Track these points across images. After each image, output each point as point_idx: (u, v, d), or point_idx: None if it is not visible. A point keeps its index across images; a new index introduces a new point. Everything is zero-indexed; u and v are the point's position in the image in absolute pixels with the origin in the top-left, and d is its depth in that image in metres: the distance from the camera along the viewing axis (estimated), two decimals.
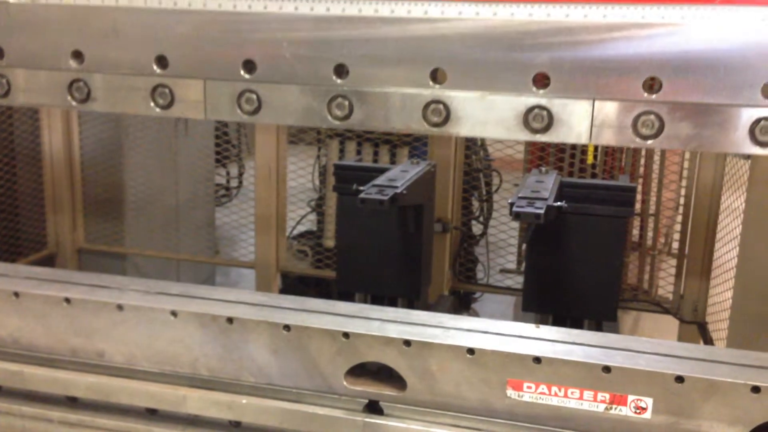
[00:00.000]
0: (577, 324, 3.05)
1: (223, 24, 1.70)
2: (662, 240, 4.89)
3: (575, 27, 1.52)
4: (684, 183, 4.05)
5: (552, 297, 3.09)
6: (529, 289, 3.23)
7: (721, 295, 3.50)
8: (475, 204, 4.93)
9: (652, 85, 1.52)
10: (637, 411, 1.68)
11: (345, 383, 1.86)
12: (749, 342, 2.69)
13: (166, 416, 1.99)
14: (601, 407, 1.71)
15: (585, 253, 2.92)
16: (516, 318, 4.68)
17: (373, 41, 1.62)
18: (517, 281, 4.67)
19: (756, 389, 1.61)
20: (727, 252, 3.47)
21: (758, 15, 1.44)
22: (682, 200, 4.02)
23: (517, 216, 2.57)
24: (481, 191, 4.88)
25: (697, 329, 3.77)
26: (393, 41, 1.62)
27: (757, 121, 1.48)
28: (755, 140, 1.50)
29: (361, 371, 1.87)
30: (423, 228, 3.32)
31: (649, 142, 1.54)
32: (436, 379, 1.80)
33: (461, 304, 5.27)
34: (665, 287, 4.26)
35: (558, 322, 3.09)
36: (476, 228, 4.99)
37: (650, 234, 4.79)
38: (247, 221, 5.09)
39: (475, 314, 5.31)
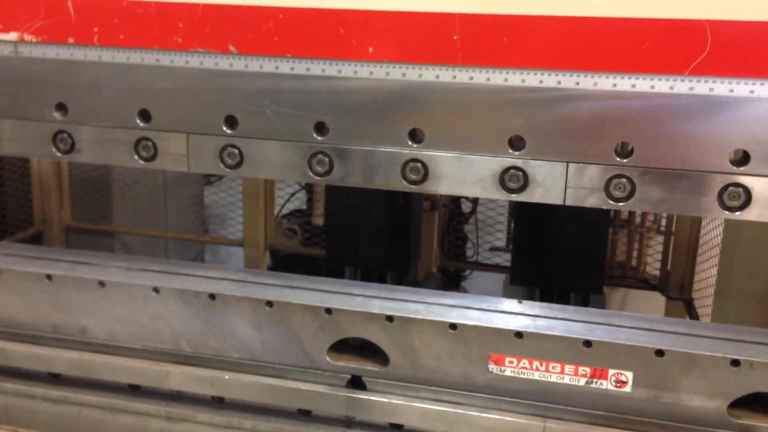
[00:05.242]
0: (564, 297, 3.07)
1: (205, 80, 1.73)
2: (651, 218, 4.90)
3: (549, 93, 1.56)
4: None
5: (539, 270, 3.11)
6: (517, 262, 3.25)
7: (707, 271, 3.51)
8: None
9: (623, 149, 1.57)
10: (618, 384, 1.69)
11: (328, 359, 1.86)
12: (733, 318, 2.71)
13: (149, 392, 2.00)
14: (582, 381, 1.72)
15: (571, 227, 2.93)
16: (505, 296, 4.70)
17: (352, 100, 1.66)
18: (506, 259, 4.67)
19: (735, 362, 1.62)
20: (713, 229, 3.48)
21: (726, 86, 1.47)
22: None
23: None
24: None
25: (684, 305, 3.79)
26: (372, 101, 1.65)
27: (725, 186, 1.53)
28: (723, 205, 1.54)
29: (344, 347, 1.88)
30: (411, 203, 3.32)
31: (621, 204, 1.59)
32: (418, 355, 1.81)
33: (451, 281, 5.27)
34: (653, 264, 4.27)
35: (545, 295, 3.11)
36: (466, 206, 4.99)
37: (639, 211, 4.79)
38: (236, 199, 5.07)
39: (464, 292, 5.32)
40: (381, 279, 3.32)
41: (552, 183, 1.62)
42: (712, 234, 3.51)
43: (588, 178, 1.60)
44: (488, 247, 4.98)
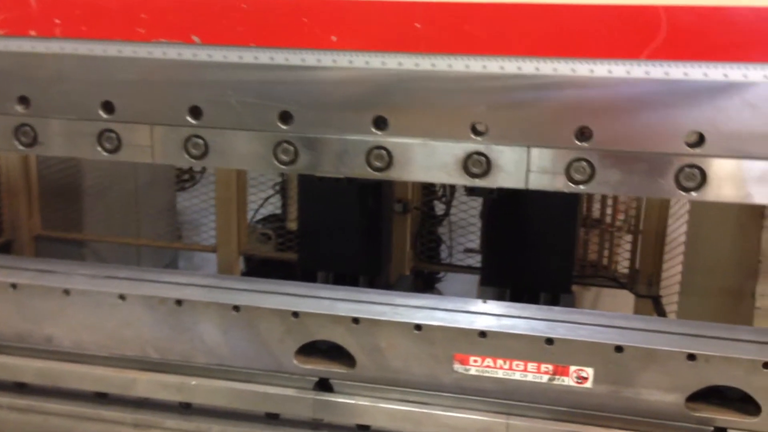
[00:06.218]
0: (533, 296, 3.10)
1: (168, 71, 1.71)
2: (621, 217, 4.96)
3: (510, 79, 1.57)
4: None
5: (509, 271, 3.14)
6: (487, 263, 3.28)
7: (673, 269, 3.57)
8: (438, 184, 4.94)
9: (583, 133, 1.58)
10: (579, 381, 1.72)
11: (295, 362, 1.87)
12: (697, 314, 2.76)
13: (116, 399, 1.99)
14: (545, 378, 1.74)
15: (539, 227, 2.97)
16: (478, 297, 4.72)
17: (316, 89, 1.66)
18: (479, 260, 4.70)
19: (692, 357, 1.65)
20: (678, 227, 3.54)
21: (681, 69, 1.50)
22: None
23: (470, 191, 2.61)
24: None
25: (652, 303, 3.85)
26: (336, 89, 1.66)
27: (681, 168, 1.55)
28: (680, 185, 1.57)
29: (312, 350, 1.89)
30: (382, 206, 3.34)
31: (582, 187, 1.60)
32: (384, 356, 1.82)
33: (425, 284, 5.30)
34: (623, 263, 4.34)
35: (516, 295, 3.15)
36: (439, 208, 5.01)
37: (610, 211, 4.85)
38: (208, 205, 5.06)
39: (438, 294, 5.34)
40: (353, 282, 3.34)
41: (514, 167, 1.63)
42: (678, 232, 3.57)
43: (549, 161, 1.61)
44: (462, 248, 5.02)
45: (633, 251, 4.13)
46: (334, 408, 1.87)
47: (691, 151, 1.54)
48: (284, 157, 1.73)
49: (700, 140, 1.53)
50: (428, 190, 4.77)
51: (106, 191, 4.92)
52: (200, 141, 1.75)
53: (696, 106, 1.51)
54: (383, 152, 1.68)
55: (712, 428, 1.70)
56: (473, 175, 1.65)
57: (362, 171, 1.70)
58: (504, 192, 2.73)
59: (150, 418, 1.96)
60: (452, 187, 4.93)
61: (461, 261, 4.87)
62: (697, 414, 1.69)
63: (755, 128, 1.49)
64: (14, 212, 4.62)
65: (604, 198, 4.70)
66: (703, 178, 1.55)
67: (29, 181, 4.62)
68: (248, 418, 1.94)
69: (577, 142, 1.58)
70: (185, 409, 1.97)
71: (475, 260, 4.74)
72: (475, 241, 4.90)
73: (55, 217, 4.77)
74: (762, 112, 1.48)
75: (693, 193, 1.56)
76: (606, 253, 4.69)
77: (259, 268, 5.02)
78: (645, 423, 1.72)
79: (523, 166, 1.63)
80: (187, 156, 1.76)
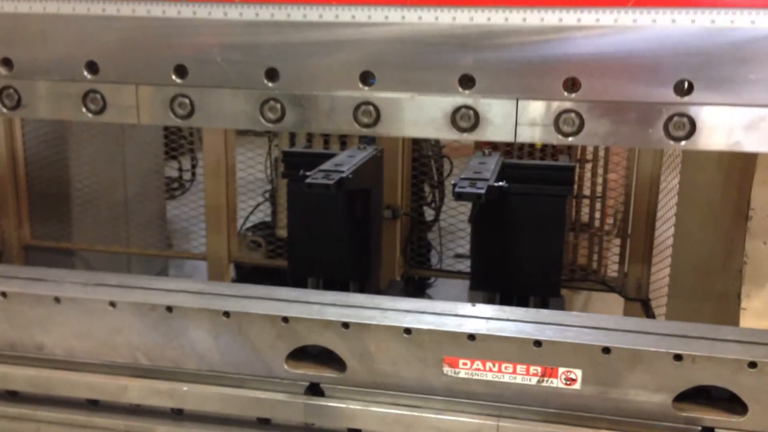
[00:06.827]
0: (523, 300, 3.11)
1: (152, 29, 1.70)
2: (610, 221, 5.00)
3: (497, 30, 1.57)
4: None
5: (498, 275, 3.15)
6: (476, 268, 3.29)
7: (662, 272, 3.60)
8: (427, 190, 4.98)
9: (571, 84, 1.57)
10: (568, 382, 1.74)
11: (286, 367, 1.88)
12: (685, 316, 2.78)
13: (107, 406, 1.99)
14: (534, 380, 1.76)
15: (527, 231, 2.98)
16: (469, 301, 4.74)
17: (302, 45, 1.65)
18: (469, 265, 4.72)
19: (678, 357, 1.67)
20: (666, 230, 3.57)
21: (669, 16, 1.50)
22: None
23: (459, 196, 2.61)
24: (432, 177, 4.93)
25: (641, 306, 3.87)
26: (322, 45, 1.65)
27: (671, 117, 1.54)
28: (669, 135, 1.56)
29: (303, 355, 1.90)
30: (371, 212, 3.35)
31: (570, 138, 1.60)
32: (374, 360, 1.83)
33: (417, 289, 5.31)
34: (612, 267, 4.37)
35: (505, 299, 3.16)
36: (429, 214, 5.04)
37: (598, 215, 4.89)
38: (198, 213, 5.06)
39: (429, 299, 5.35)
40: (343, 288, 3.34)
41: (503, 120, 1.62)
42: (665, 235, 3.60)
43: (538, 114, 1.60)
44: (453, 254, 5.04)
45: (622, 255, 4.16)
46: (325, 412, 1.88)
47: (680, 99, 1.52)
48: (271, 115, 1.70)
49: (689, 88, 1.51)
50: (417, 195, 4.79)
51: (96, 200, 4.92)
52: (186, 100, 1.72)
53: (684, 53, 1.50)
54: (371, 108, 1.66)
55: (699, 428, 1.72)
56: (461, 129, 1.63)
57: (350, 127, 1.69)
58: (492, 197, 2.75)
59: (142, 425, 1.97)
60: (441, 193, 4.96)
61: (451, 266, 4.89)
62: (685, 414, 1.71)
63: (743, 75, 1.48)
64: (4, 222, 4.60)
65: (592, 203, 4.74)
66: (692, 127, 1.53)
67: (18, 191, 4.61)
68: (240, 424, 1.95)
69: (565, 93, 1.57)
70: (177, 415, 1.97)
71: (465, 265, 4.76)
72: (465, 246, 4.93)
73: (44, 226, 4.76)
74: (749, 59, 1.47)
75: (682, 143, 1.55)
76: (595, 257, 4.73)
77: (249, 275, 5.03)
78: (633, 423, 1.74)
79: (512, 119, 1.61)
80: (173, 116, 1.74)
